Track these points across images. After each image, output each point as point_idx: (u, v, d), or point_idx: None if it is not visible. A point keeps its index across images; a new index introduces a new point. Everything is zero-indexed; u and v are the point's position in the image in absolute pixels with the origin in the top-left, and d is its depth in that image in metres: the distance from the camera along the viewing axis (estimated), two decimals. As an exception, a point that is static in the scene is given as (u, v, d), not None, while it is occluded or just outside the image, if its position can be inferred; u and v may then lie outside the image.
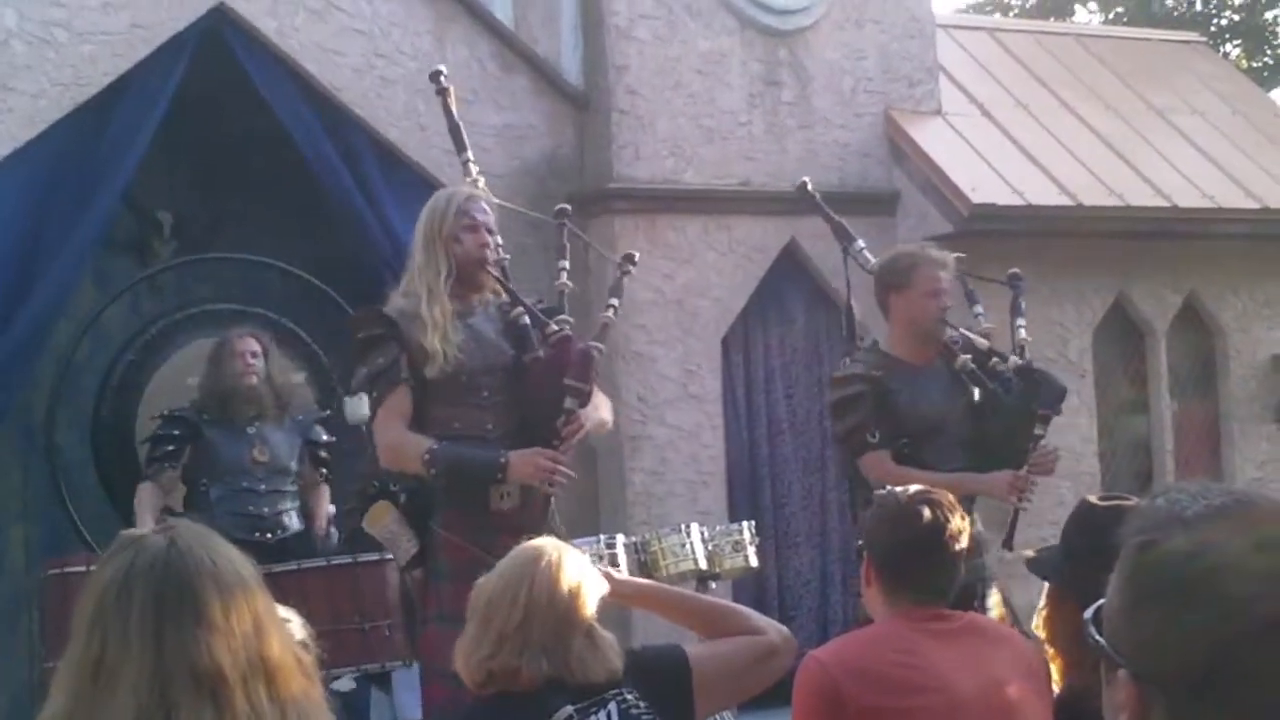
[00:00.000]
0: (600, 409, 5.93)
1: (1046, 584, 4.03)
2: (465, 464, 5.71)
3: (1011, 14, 25.91)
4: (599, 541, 6.98)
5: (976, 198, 10.73)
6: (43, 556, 9.32)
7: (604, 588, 3.85)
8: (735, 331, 10.74)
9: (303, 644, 2.81)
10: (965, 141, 11.45)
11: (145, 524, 8.03)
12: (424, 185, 9.31)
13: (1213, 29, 23.96)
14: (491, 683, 3.66)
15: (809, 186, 7.48)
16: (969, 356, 6.57)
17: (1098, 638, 1.70)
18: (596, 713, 3.63)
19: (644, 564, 7.15)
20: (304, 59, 9.61)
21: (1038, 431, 6.48)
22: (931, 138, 11.27)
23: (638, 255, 6.30)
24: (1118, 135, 12.25)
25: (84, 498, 9.95)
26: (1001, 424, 6.53)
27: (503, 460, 5.66)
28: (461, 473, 5.70)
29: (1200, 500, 1.69)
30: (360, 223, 9.67)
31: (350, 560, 8.27)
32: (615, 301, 6.05)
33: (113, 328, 10.34)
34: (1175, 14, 24.44)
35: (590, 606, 3.72)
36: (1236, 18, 25.32)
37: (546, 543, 3.84)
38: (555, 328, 5.84)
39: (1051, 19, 23.55)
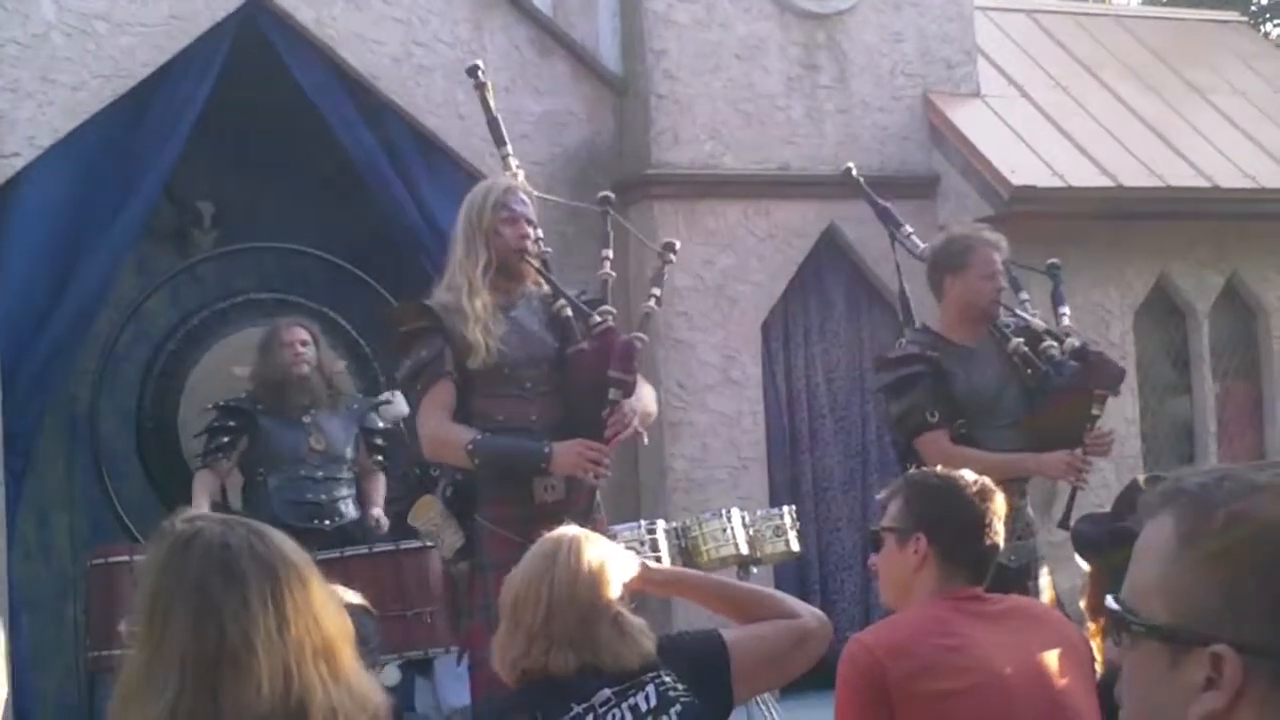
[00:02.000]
0: (645, 400, 5.94)
1: (1089, 565, 4.02)
2: (509, 455, 5.72)
3: (1050, -5, 25.74)
4: (640, 527, 6.99)
5: (1016, 180, 10.69)
6: (87, 545, 9.39)
7: (628, 572, 3.86)
8: (775, 317, 10.71)
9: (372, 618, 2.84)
10: (1005, 124, 11.40)
11: (203, 508, 8.12)
12: (463, 174, 9.35)
13: (1253, 8, 23.78)
14: (526, 681, 3.68)
15: (854, 172, 7.48)
16: (1021, 340, 6.57)
17: (1153, 623, 1.67)
18: (634, 695, 3.64)
19: (685, 550, 7.14)
20: (342, 48, 9.62)
21: (1094, 412, 6.48)
22: (971, 120, 11.23)
23: (678, 244, 6.28)
24: (1158, 116, 12.18)
25: (127, 487, 10.01)
26: (1053, 406, 6.52)
27: (547, 450, 5.67)
28: (505, 464, 5.71)
29: (1269, 470, 1.68)
30: (399, 211, 9.68)
31: (393, 547, 8.32)
32: (657, 291, 6.05)
33: (154, 318, 10.40)
34: (1214, -7, 24.29)
35: (613, 593, 3.72)
36: (1277, -3, 25.15)
37: (564, 534, 3.85)
38: (598, 319, 5.84)
39: (1090, 0, 23.44)
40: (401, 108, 9.67)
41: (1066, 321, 6.82)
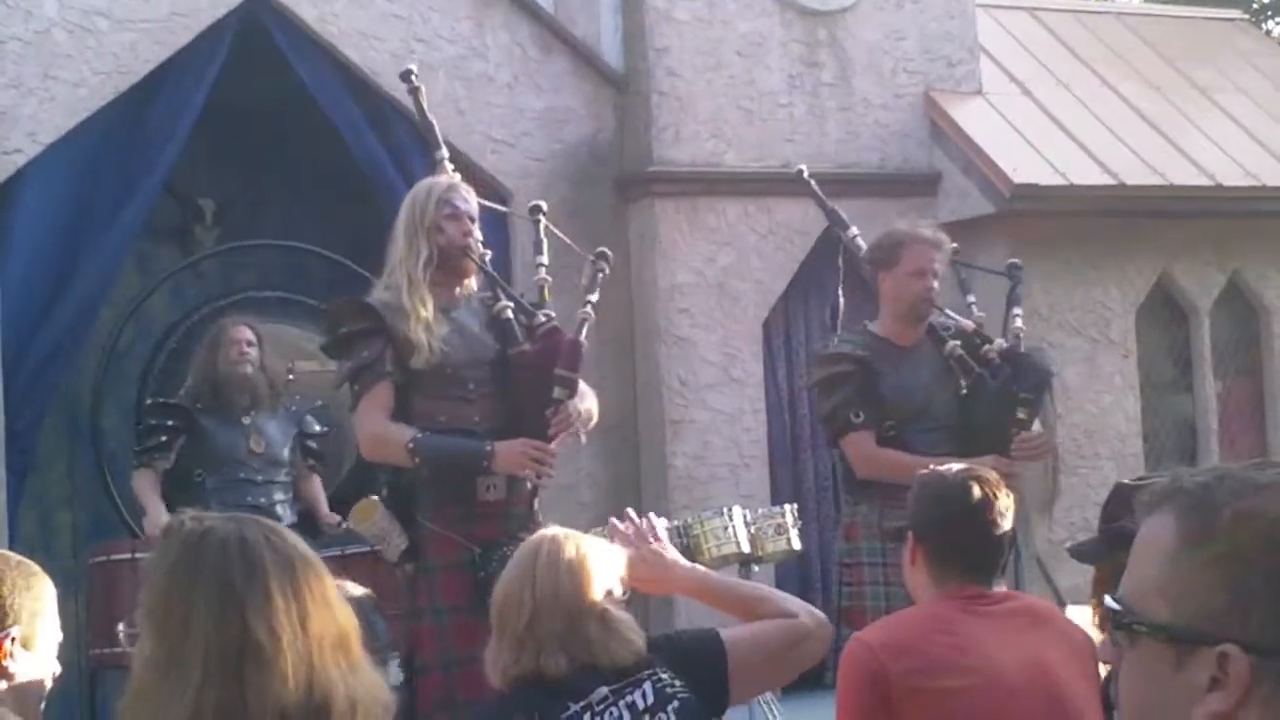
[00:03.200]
0: (586, 401, 5.87)
1: (1094, 569, 4.00)
2: (450, 454, 5.63)
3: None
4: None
5: (1018, 178, 10.68)
6: (89, 542, 9.38)
7: (615, 568, 3.84)
8: (776, 314, 10.71)
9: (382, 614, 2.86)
10: (1006, 121, 11.40)
11: (154, 508, 8.10)
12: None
13: (1255, 6, 23.78)
14: (521, 686, 3.66)
15: (805, 173, 7.49)
16: (958, 343, 6.52)
17: (1157, 623, 1.66)
18: (632, 693, 3.64)
19: (686, 548, 7.11)
20: (343, 44, 9.62)
21: (1020, 415, 6.40)
22: (972, 118, 11.22)
23: (611, 253, 6.18)
24: (1160, 114, 12.17)
25: (128, 485, 9.99)
26: (986, 409, 6.46)
27: (489, 449, 5.60)
28: (447, 463, 5.63)
29: (1269, 469, 1.67)
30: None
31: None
32: (592, 298, 5.95)
33: (156, 315, 10.39)
34: (1216, -9, 24.27)
35: (598, 590, 3.71)
36: (1279, -6, 25.15)
37: (544, 535, 3.83)
38: (542, 319, 5.80)
39: (1092, -3, 23.42)
40: (403, 105, 9.65)
41: (1018, 323, 6.74)
